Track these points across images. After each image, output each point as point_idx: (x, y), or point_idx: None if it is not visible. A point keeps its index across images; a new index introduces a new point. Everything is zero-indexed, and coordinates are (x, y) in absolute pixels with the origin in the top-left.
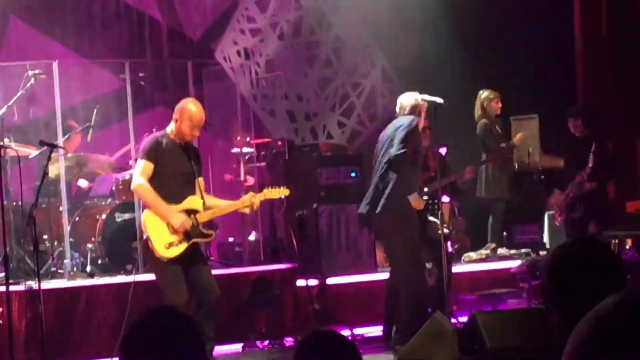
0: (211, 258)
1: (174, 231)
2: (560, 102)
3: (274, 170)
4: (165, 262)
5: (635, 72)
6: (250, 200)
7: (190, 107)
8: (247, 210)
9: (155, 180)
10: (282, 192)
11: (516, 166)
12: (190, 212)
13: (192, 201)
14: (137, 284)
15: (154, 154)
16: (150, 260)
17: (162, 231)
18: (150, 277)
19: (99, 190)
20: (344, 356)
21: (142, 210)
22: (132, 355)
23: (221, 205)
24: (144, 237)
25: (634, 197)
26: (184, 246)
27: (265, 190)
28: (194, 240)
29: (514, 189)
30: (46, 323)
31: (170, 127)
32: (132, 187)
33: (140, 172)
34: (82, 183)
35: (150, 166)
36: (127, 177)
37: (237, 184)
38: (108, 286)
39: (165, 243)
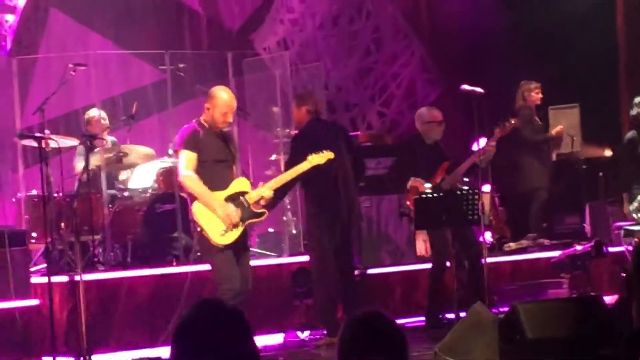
0: (251, 248)
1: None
2: (603, 92)
3: None
4: (221, 250)
5: None
6: (306, 165)
7: (220, 92)
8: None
9: (200, 170)
10: (326, 156)
11: (554, 156)
12: (240, 195)
13: (239, 183)
14: (182, 275)
15: (194, 143)
16: (207, 251)
17: (214, 220)
18: (195, 268)
19: (139, 181)
20: (390, 339)
21: (191, 203)
22: (184, 346)
23: (267, 183)
24: (198, 229)
25: None
26: (239, 230)
27: (309, 158)
28: (249, 221)
29: (554, 179)
30: (87, 314)
31: (204, 116)
32: (179, 180)
33: (185, 164)
34: (124, 175)
35: (193, 156)
36: (167, 167)
37: (277, 175)
38: (148, 277)
39: (220, 231)
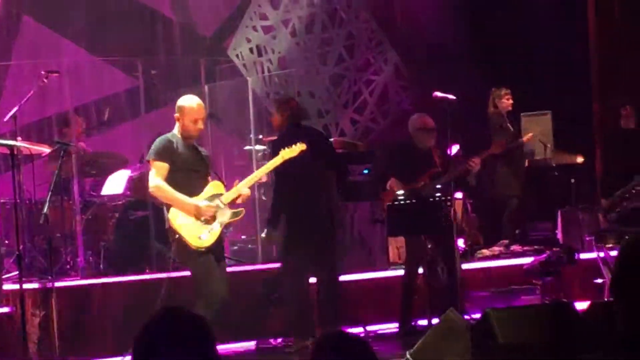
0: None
1: (202, 221)
2: (575, 98)
3: None
4: (201, 254)
5: None
6: (278, 160)
7: (187, 100)
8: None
9: (171, 178)
10: (299, 148)
11: (527, 163)
12: (214, 197)
13: (214, 187)
14: (154, 282)
15: (167, 154)
16: (187, 257)
17: (191, 225)
18: (173, 274)
19: (111, 188)
20: (358, 355)
21: (167, 211)
22: (145, 354)
23: (243, 181)
24: (176, 236)
25: None
26: (217, 231)
27: (281, 152)
28: (225, 221)
29: (527, 186)
30: (59, 321)
31: (176, 128)
32: (149, 190)
33: (155, 174)
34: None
35: (165, 166)
36: (141, 175)
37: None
38: (121, 284)
39: (197, 235)
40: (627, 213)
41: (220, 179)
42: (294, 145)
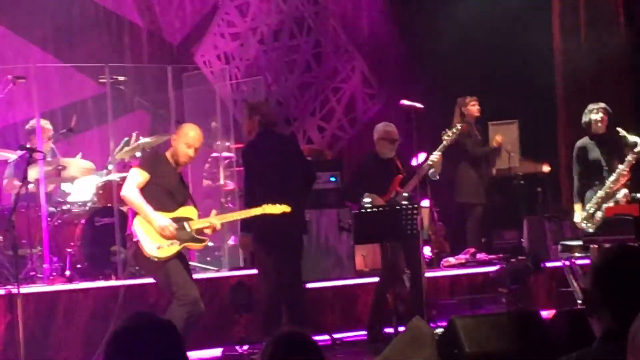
0: (190, 262)
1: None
2: (540, 108)
3: None
4: (160, 261)
5: (612, 76)
6: (258, 211)
7: (188, 127)
8: (209, 231)
9: (148, 191)
10: (282, 209)
11: (494, 171)
12: (184, 220)
13: (186, 210)
14: (120, 289)
15: (151, 165)
16: (145, 263)
17: (152, 234)
18: (132, 281)
19: (78, 194)
20: (308, 356)
21: (132, 217)
22: (115, 359)
23: (218, 216)
24: (134, 240)
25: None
26: (175, 248)
27: (264, 206)
28: (186, 244)
29: (492, 194)
30: (25, 327)
31: (169, 150)
32: (121, 194)
33: (131, 179)
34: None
35: (144, 175)
36: (107, 181)
37: (216, 189)
38: (87, 290)
39: (156, 245)
40: (602, 223)
41: (195, 206)
42: (274, 205)
